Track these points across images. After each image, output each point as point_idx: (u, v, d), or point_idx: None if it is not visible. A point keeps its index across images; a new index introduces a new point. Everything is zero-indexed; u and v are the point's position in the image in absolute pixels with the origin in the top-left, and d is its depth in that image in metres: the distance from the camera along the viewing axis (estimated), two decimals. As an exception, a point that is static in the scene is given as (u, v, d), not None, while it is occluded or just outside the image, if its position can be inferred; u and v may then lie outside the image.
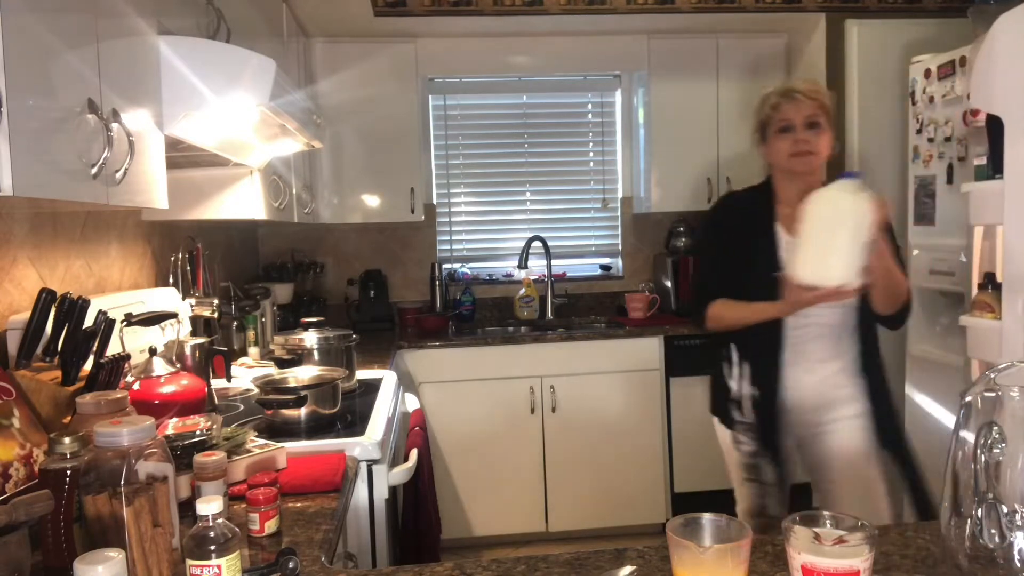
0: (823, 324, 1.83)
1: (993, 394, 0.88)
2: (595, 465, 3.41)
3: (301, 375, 1.98)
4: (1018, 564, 0.85)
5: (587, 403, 3.39)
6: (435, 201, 3.99)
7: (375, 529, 1.66)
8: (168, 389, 1.68)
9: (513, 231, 4.04)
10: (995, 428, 0.86)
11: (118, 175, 1.28)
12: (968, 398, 0.90)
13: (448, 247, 4.04)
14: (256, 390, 1.93)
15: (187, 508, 1.16)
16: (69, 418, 1.37)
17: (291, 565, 0.96)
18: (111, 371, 1.53)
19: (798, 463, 1.97)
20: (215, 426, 1.46)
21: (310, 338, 2.27)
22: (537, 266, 3.92)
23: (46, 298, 1.44)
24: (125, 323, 1.74)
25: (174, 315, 1.94)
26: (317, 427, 1.82)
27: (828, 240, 1.60)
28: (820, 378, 1.86)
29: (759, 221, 1.89)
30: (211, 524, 0.90)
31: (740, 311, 1.86)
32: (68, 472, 1.06)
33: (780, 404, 1.89)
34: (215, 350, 2.10)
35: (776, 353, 1.86)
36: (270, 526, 1.20)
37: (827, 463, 1.89)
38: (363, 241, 3.97)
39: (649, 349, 3.42)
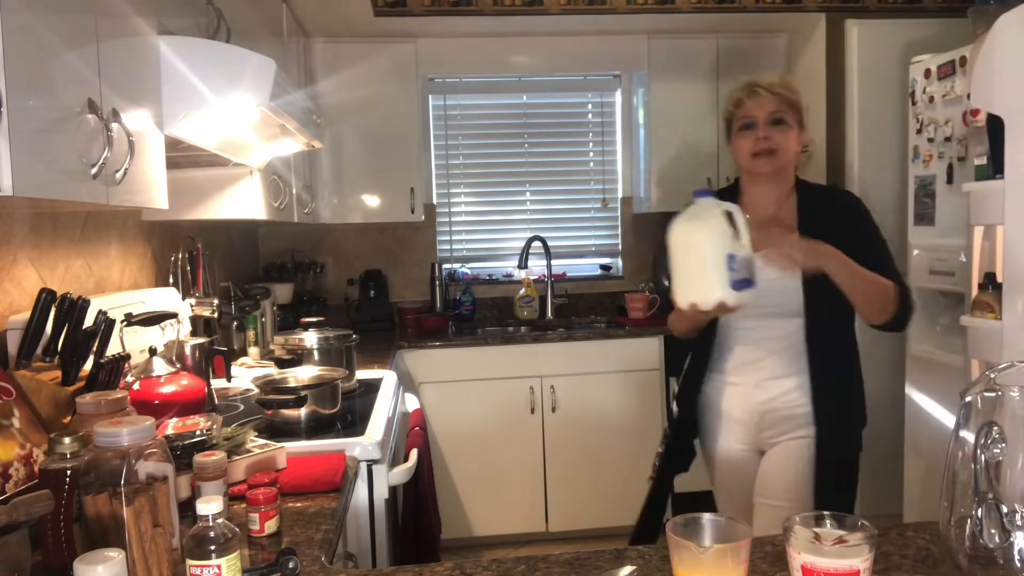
0: (774, 338, 1.74)
1: (993, 394, 0.88)
2: (595, 465, 3.41)
3: (301, 375, 1.98)
4: (1018, 564, 0.85)
5: (587, 403, 3.39)
6: (435, 201, 3.99)
7: (375, 529, 1.66)
8: (168, 389, 1.68)
9: (513, 231, 4.04)
10: (995, 428, 0.86)
11: (118, 175, 1.28)
12: (968, 398, 0.90)
13: (448, 247, 4.04)
14: (256, 390, 1.93)
15: (187, 508, 1.16)
16: (69, 418, 1.37)
17: (291, 565, 0.96)
18: (111, 371, 1.53)
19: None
20: (215, 426, 1.46)
21: (310, 338, 2.27)
22: (537, 266, 3.92)
23: (46, 298, 1.44)
24: (125, 323, 1.74)
25: (174, 315, 1.95)
26: (317, 427, 1.82)
27: (691, 262, 1.55)
28: (773, 395, 1.75)
29: None
30: (211, 524, 0.90)
31: (678, 319, 1.77)
32: (68, 472, 1.06)
33: (703, 416, 1.85)
34: (215, 350, 2.10)
35: (708, 365, 1.82)
36: (270, 526, 1.20)
37: (766, 482, 1.79)
38: (363, 241, 3.97)
39: (649, 349, 3.42)
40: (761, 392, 1.77)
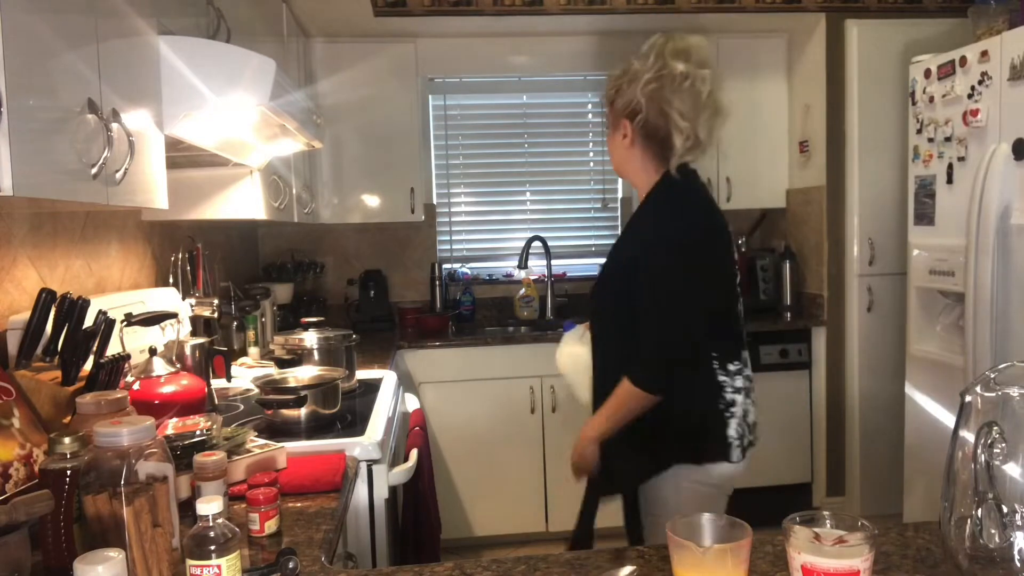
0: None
1: (993, 394, 0.88)
2: (595, 465, 3.41)
3: (301, 375, 1.98)
4: (1018, 564, 0.85)
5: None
6: (435, 201, 3.99)
7: (375, 529, 1.66)
8: (168, 389, 1.68)
9: (513, 231, 4.04)
10: (995, 428, 0.86)
11: (118, 175, 1.28)
12: (968, 398, 0.90)
13: (448, 247, 4.04)
14: (256, 390, 1.93)
15: (187, 508, 1.16)
16: (69, 418, 1.37)
17: (291, 565, 0.96)
18: (111, 371, 1.53)
19: None
20: (215, 426, 1.46)
21: (310, 338, 2.27)
22: (537, 266, 3.92)
23: (46, 298, 1.44)
24: (125, 323, 1.74)
25: (174, 315, 1.94)
26: (317, 427, 1.82)
27: None
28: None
29: None
30: (211, 524, 0.90)
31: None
32: (68, 472, 1.06)
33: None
34: (215, 350, 2.10)
35: None
36: (270, 526, 1.20)
37: None
38: (363, 241, 3.97)
39: (649, 349, 3.41)
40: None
